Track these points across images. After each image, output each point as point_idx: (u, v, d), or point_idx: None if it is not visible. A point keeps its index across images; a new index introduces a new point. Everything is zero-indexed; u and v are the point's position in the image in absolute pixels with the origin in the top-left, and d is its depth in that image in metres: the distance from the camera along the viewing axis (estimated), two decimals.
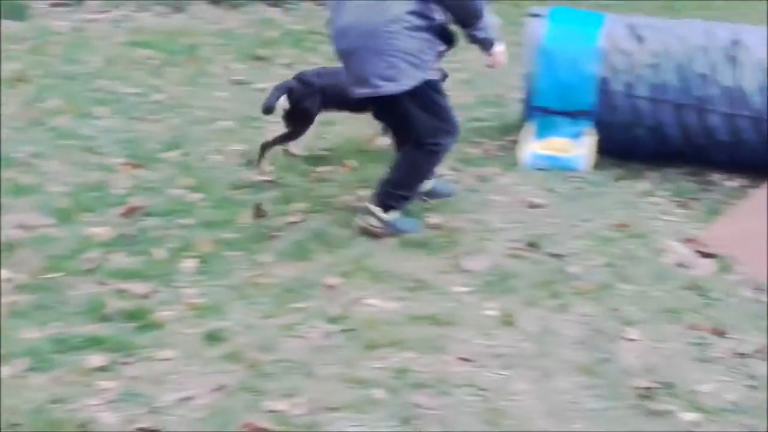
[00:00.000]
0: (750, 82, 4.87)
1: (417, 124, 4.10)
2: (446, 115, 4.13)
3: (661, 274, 4.00)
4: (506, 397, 3.14)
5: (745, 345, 3.47)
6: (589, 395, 3.17)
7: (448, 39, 4.08)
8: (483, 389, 3.17)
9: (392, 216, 4.19)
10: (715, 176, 5.05)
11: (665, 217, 4.56)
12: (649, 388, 3.19)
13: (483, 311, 3.67)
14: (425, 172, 4.28)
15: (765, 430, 3.03)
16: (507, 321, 3.60)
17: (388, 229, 4.18)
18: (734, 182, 4.97)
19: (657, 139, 5.11)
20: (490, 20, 3.99)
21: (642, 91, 5.03)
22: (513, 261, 4.07)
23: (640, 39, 5.06)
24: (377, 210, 4.16)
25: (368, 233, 4.18)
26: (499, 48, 4.08)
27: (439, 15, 3.96)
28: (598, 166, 5.12)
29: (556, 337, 3.51)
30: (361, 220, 4.20)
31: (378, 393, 3.12)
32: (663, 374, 3.28)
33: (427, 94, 4.05)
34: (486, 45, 4.04)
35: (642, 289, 3.87)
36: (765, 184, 4.43)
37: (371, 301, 3.69)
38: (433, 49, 4.01)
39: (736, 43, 4.92)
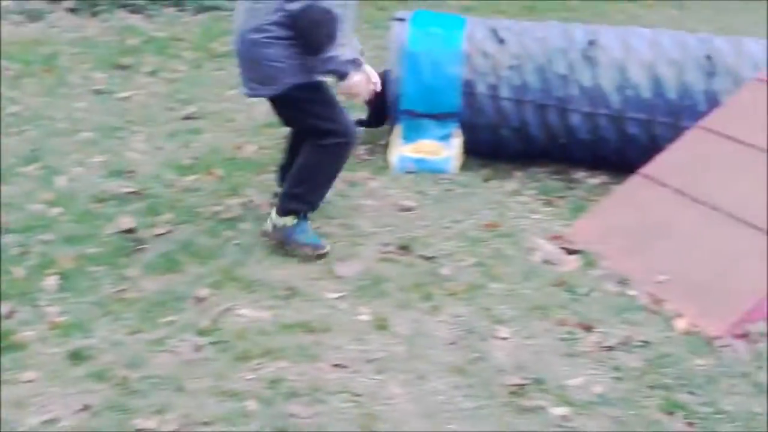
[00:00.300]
0: (607, 82, 5.02)
1: (303, 127, 4.09)
2: (332, 117, 4.03)
3: (530, 271, 4.07)
4: (380, 401, 3.14)
5: (611, 338, 3.56)
6: (462, 395, 3.19)
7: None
8: (357, 395, 3.16)
9: (289, 221, 4.09)
10: (579, 174, 5.18)
11: (532, 216, 4.65)
12: (520, 385, 3.24)
13: (356, 316, 3.66)
14: (319, 175, 4.13)
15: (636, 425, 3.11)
16: (380, 325, 3.59)
17: (279, 234, 4.09)
18: (596, 179, 5.11)
19: (522, 139, 5.22)
20: (346, 50, 3.85)
21: (505, 92, 5.12)
22: (385, 265, 4.08)
23: (501, 41, 5.15)
24: (273, 214, 4.10)
25: (267, 238, 4.12)
26: (354, 78, 3.92)
27: None
28: (466, 167, 5.18)
29: (428, 338, 3.52)
30: (263, 226, 4.15)
31: (251, 405, 3.07)
32: (533, 370, 3.34)
33: (305, 97, 3.98)
34: (337, 75, 3.92)
35: (511, 287, 3.93)
36: (625, 181, 4.56)
37: (242, 311, 3.63)
38: (304, 55, 3.91)
39: (592, 43, 5.06)
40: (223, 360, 3.32)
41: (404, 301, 3.77)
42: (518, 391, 3.22)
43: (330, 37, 3.78)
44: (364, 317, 3.65)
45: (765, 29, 7.60)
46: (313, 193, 4.14)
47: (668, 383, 3.30)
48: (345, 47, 3.86)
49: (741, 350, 3.51)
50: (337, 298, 3.77)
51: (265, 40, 3.85)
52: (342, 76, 3.90)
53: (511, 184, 5.03)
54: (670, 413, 3.14)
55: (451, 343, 3.50)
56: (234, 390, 3.15)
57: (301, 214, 4.11)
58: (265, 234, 4.14)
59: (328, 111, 4.04)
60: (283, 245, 4.08)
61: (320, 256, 4.06)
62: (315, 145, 4.05)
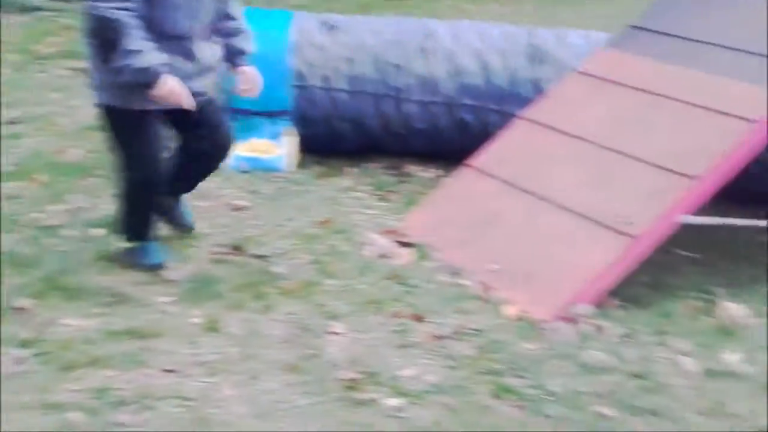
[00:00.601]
0: (440, 70, 5.11)
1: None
2: (131, 153, 3.74)
3: (364, 266, 4.08)
4: (212, 404, 3.07)
5: (444, 328, 3.61)
6: (296, 392, 3.16)
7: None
8: (188, 399, 3.08)
9: (127, 243, 3.95)
10: (413, 168, 5.24)
11: (366, 211, 4.67)
12: (354, 379, 3.23)
13: (187, 319, 3.58)
14: (126, 206, 3.89)
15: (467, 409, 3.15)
16: (212, 327, 3.53)
17: (127, 258, 3.94)
18: (430, 173, 5.18)
19: (358, 131, 5.24)
20: (145, 58, 3.49)
21: (340, 84, 5.13)
22: (217, 266, 4.01)
23: (331, 27, 5.17)
24: (119, 237, 3.95)
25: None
26: (164, 87, 3.54)
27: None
28: (301, 164, 5.17)
29: (262, 338, 3.48)
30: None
31: (75, 416, 2.95)
32: (367, 364, 3.34)
33: (108, 120, 3.75)
34: (143, 85, 3.55)
35: (346, 283, 3.93)
36: (456, 173, 4.64)
37: (66, 320, 3.49)
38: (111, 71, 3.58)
39: (424, 34, 5.14)
40: (46, 372, 3.19)
41: (237, 302, 3.71)
42: (352, 385, 3.21)
43: (111, 45, 3.49)
44: (195, 320, 3.57)
45: (587, 23, 7.86)
46: (126, 223, 3.94)
47: (499, 369, 3.36)
48: (145, 54, 3.50)
49: (567, 332, 3.61)
50: (167, 303, 3.68)
51: (90, 47, 3.68)
52: (148, 85, 3.54)
53: (345, 181, 5.04)
54: (501, 397, 3.20)
55: (285, 342, 3.47)
56: (58, 402, 3.02)
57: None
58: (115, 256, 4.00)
59: (129, 147, 3.75)
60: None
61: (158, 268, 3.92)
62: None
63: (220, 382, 3.19)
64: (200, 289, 3.78)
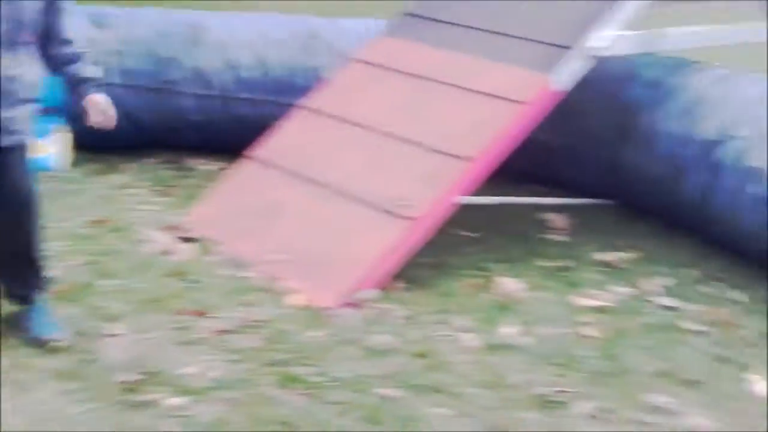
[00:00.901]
0: (214, 63, 5.02)
1: None
2: None
3: (143, 264, 3.96)
4: None
5: (227, 321, 3.54)
6: (70, 400, 3.01)
7: None
8: None
9: None
10: (193, 162, 5.13)
11: (145, 208, 4.53)
12: (134, 381, 3.12)
13: None
14: None
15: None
16: None
17: None
18: (211, 166, 5.08)
19: (133, 125, 5.06)
20: None
21: (113, 77, 4.95)
22: None
23: (102, 26, 4.98)
24: None
25: None
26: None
27: None
28: (75, 163, 4.96)
29: (32, 346, 3.29)
30: None
31: None
32: (148, 364, 3.23)
33: None
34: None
35: (124, 282, 3.80)
36: (237, 165, 4.56)
37: None
38: None
39: (195, 26, 5.04)
40: None
41: (4, 309, 3.49)
42: (132, 387, 3.09)
43: None
44: None
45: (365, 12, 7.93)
46: None
47: (284, 358, 3.33)
48: None
49: (352, 318, 3.63)
50: None
51: None
52: None
53: (121, 178, 4.88)
54: (287, 387, 3.17)
55: (59, 348, 3.29)
56: None
57: None
58: None
59: None
60: None
61: None
62: None
63: None
64: None
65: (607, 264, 4.20)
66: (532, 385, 3.25)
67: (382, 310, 3.69)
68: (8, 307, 3.47)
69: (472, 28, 4.72)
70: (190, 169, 5.04)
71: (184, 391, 3.10)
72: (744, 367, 3.44)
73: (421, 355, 3.40)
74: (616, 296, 3.93)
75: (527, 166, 4.69)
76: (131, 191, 4.72)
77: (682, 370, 3.39)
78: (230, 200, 4.43)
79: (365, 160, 4.30)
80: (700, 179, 4.31)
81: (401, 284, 3.86)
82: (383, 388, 3.17)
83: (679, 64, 4.72)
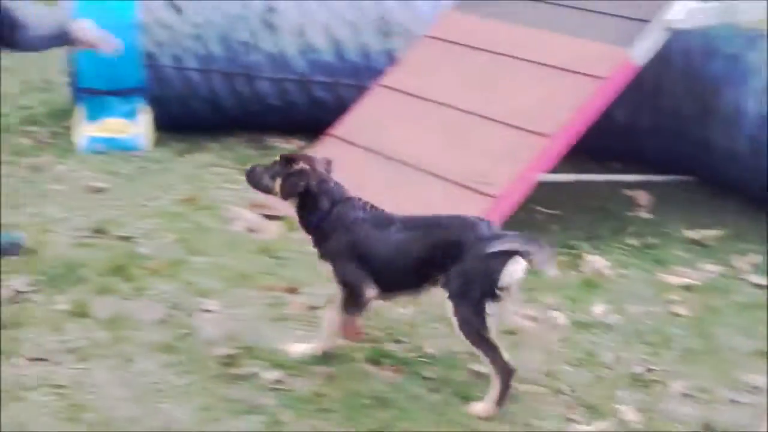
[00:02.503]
0: (290, 47, 5.05)
1: None
2: None
3: (232, 241, 4.03)
4: (86, 390, 2.98)
5: (318, 298, 3.59)
6: (172, 372, 3.10)
7: None
8: (60, 386, 2.98)
9: None
10: (274, 141, 5.19)
11: (231, 186, 4.60)
12: (230, 355, 3.19)
13: (53, 306, 3.44)
14: None
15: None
16: (79, 313, 3.40)
17: None
18: (292, 144, 5.14)
19: (212, 109, 5.15)
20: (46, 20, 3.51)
21: (190, 63, 5.03)
22: (80, 250, 3.88)
23: (179, 11, 5.04)
24: None
25: None
26: (78, 27, 3.53)
27: None
28: (159, 142, 5.04)
29: (133, 320, 3.38)
30: None
31: None
32: (243, 339, 3.30)
33: None
34: (55, 42, 3.55)
35: (214, 259, 3.87)
36: (318, 143, 4.61)
37: None
38: None
39: (271, 9, 5.07)
40: None
41: (104, 285, 3.59)
42: (229, 361, 3.17)
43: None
44: (61, 306, 3.44)
45: None
46: None
47: (377, 335, 3.38)
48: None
49: (438, 296, 3.64)
50: (30, 291, 3.53)
51: None
52: (59, 41, 3.55)
53: (205, 157, 4.95)
54: (379, 363, 3.21)
55: (157, 322, 3.39)
56: None
57: None
58: None
59: None
60: None
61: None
62: None
63: (92, 368, 3.10)
64: (64, 275, 3.64)
65: (693, 241, 4.18)
66: (623, 363, 3.25)
67: None
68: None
69: (544, 2, 4.68)
70: (272, 148, 5.09)
71: (279, 366, 3.16)
72: None
73: (510, 332, 3.42)
74: (705, 274, 3.91)
75: (606, 143, 4.67)
76: (216, 170, 4.80)
77: None
78: None
79: (442, 137, 4.30)
80: None
81: None
82: (473, 365, 3.20)
83: (758, 37, 4.61)
